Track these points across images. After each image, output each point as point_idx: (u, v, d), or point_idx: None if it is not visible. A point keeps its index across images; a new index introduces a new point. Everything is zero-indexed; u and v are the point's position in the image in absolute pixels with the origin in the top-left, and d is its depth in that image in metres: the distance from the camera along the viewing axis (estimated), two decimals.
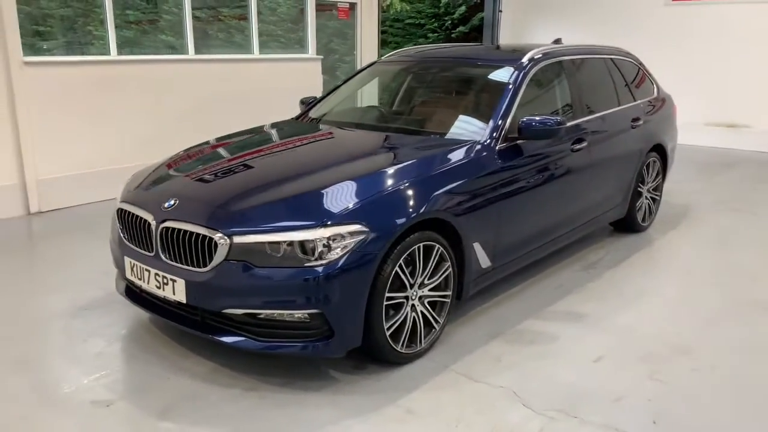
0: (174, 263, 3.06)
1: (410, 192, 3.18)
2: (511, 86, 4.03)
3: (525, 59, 4.25)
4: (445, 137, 3.85)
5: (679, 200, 6.66)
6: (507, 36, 12.17)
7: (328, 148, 3.89)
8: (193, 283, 2.96)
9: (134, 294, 3.43)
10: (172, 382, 3.10)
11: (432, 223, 3.27)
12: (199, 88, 7.33)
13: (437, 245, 3.27)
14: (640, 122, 5.15)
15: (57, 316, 3.81)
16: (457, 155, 3.57)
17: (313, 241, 2.84)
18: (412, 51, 5.15)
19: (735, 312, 3.95)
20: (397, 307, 3.16)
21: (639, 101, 5.32)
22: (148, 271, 3.16)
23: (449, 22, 13.34)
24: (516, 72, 4.13)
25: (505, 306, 3.99)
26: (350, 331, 2.96)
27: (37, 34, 6.43)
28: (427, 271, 3.26)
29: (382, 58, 5.10)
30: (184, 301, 3.02)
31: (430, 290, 3.32)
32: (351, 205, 2.97)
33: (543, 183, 4.03)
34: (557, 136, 3.90)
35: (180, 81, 7.15)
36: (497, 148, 3.73)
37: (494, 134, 3.77)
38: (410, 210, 3.10)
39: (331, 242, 2.85)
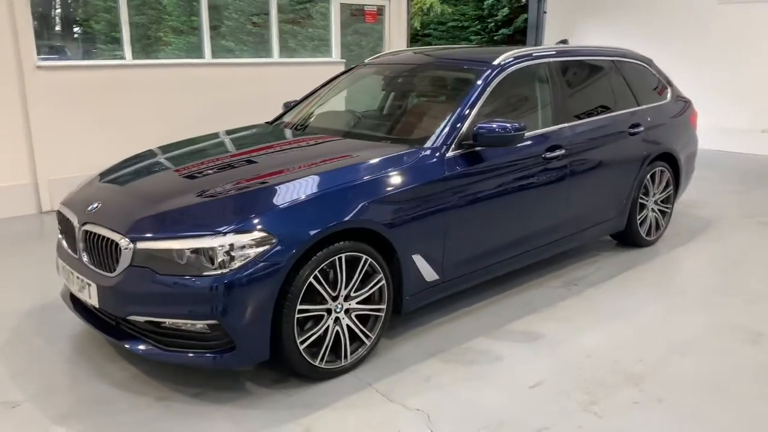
0: (91, 266, 3.05)
1: (332, 200, 3.03)
2: (472, 91, 3.82)
3: (496, 62, 4.01)
4: (401, 143, 3.67)
5: (706, 212, 6.18)
6: (553, 38, 11.74)
7: (270, 154, 3.77)
8: (103, 287, 2.94)
9: (74, 298, 3.44)
10: (88, 385, 3.08)
11: (360, 233, 3.12)
12: (216, 92, 7.41)
13: (365, 256, 3.11)
14: (641, 129, 4.78)
15: (14, 313, 3.89)
16: (398, 162, 3.39)
17: (213, 248, 2.75)
18: (397, 54, 4.99)
19: (713, 339, 3.57)
20: (318, 319, 3.03)
21: (644, 106, 4.94)
22: (72, 274, 3.17)
23: (492, 24, 12.99)
24: (481, 76, 3.90)
25: (459, 322, 3.77)
26: (254, 344, 2.85)
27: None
28: (353, 283, 3.11)
29: (366, 60, 4.98)
30: (97, 306, 3.00)
31: (358, 303, 3.17)
32: (258, 213, 2.86)
33: (506, 193, 3.79)
34: (516, 143, 3.65)
35: (196, 85, 7.26)
36: (448, 155, 3.53)
37: (447, 141, 3.57)
38: (327, 219, 2.95)
39: (234, 251, 2.75)
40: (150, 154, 4.03)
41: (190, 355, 2.86)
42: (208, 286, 2.73)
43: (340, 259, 3.02)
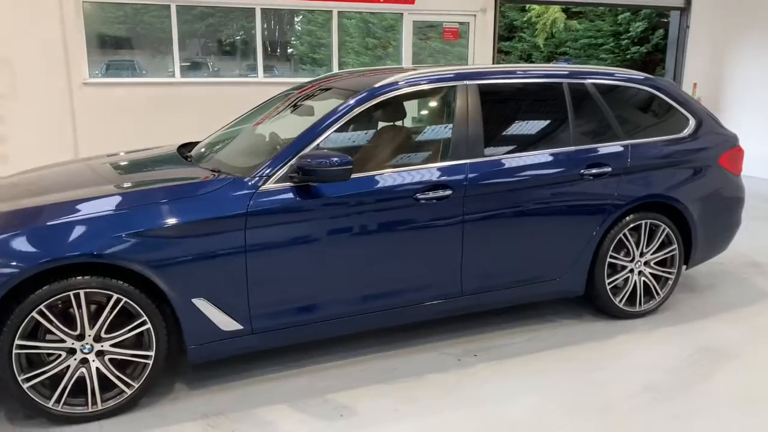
0: None
1: (64, 231, 2.77)
2: (324, 118, 3.31)
3: (377, 85, 3.44)
4: (236, 171, 3.26)
5: None
6: (697, 59, 10.02)
7: (81, 179, 3.52)
8: None
9: None
10: None
11: (116, 269, 2.83)
12: None
13: (116, 295, 2.82)
14: (607, 170, 3.78)
15: None
16: (186, 192, 3.03)
17: None
18: (323, 77, 4.53)
19: None
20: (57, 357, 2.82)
21: (626, 142, 3.91)
22: None
23: (627, 41, 11.39)
24: (346, 102, 3.37)
25: (284, 381, 3.27)
26: None
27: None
28: (100, 323, 2.83)
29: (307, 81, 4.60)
30: None
31: (114, 346, 2.88)
32: None
33: (345, 237, 3.22)
34: (341, 179, 3.07)
35: (245, 102, 7.37)
36: (264, 187, 3.07)
37: (268, 172, 3.12)
38: (49, 251, 2.70)
39: None
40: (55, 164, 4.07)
41: None
42: None
43: (77, 295, 2.76)
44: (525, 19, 13.35)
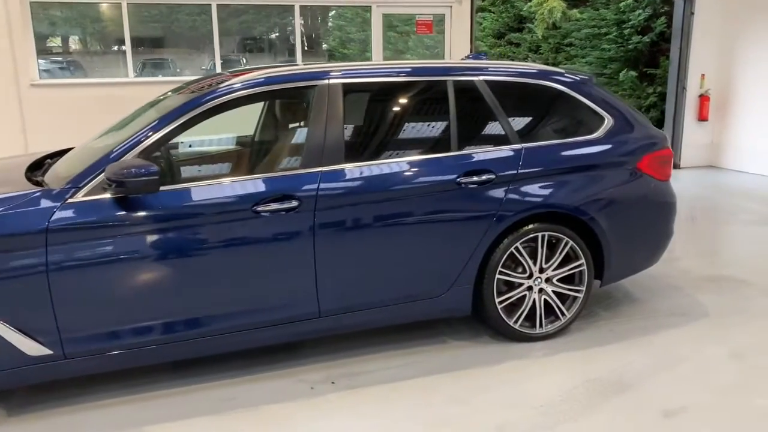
0: None
1: None
2: (154, 123, 3.04)
3: (223, 85, 3.16)
4: (55, 183, 3.03)
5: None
6: (704, 48, 9.28)
7: None
8: None
9: None
10: None
11: None
12: None
13: None
14: (490, 177, 3.38)
15: None
16: None
17: None
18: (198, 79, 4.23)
19: None
20: None
21: (519, 145, 3.50)
22: None
23: (628, 30, 10.61)
24: (173, 109, 3.09)
25: (103, 411, 3.01)
26: None
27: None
28: None
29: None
30: None
31: None
32: None
33: (171, 254, 2.93)
34: (148, 191, 2.80)
35: None
36: (72, 200, 2.82)
37: (78, 183, 2.87)
38: None
39: None
40: None
41: None
42: None
43: None
44: (525, 8, 12.73)
